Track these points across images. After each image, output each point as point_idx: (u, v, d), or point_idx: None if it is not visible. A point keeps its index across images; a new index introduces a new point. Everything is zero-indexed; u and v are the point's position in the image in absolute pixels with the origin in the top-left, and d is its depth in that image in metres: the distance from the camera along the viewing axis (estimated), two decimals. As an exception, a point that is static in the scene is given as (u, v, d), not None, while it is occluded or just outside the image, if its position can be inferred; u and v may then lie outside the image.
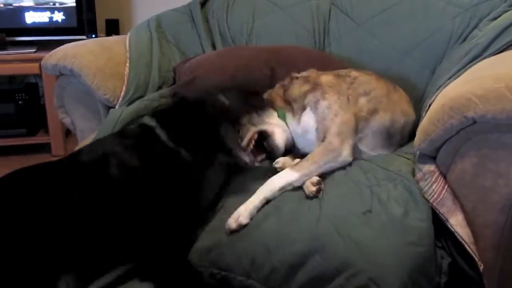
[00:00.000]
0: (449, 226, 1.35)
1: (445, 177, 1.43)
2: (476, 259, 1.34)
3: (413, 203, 1.40)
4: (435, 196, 1.39)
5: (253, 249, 1.42)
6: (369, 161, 1.62)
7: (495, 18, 1.90)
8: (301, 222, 1.41)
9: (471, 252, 1.33)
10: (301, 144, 1.74)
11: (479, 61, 1.66)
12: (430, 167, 1.44)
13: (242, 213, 1.44)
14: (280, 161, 1.68)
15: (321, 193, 1.48)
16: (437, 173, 1.43)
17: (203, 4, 2.60)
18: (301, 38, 2.38)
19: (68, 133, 3.27)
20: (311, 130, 1.66)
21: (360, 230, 1.35)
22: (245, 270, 1.42)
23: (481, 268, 1.33)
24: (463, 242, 1.34)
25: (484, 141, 1.31)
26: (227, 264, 1.43)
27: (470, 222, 1.38)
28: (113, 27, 3.35)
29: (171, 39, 2.47)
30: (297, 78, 1.80)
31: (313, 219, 1.40)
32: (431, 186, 1.40)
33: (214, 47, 2.50)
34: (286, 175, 1.53)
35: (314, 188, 1.47)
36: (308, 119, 1.68)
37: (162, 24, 2.48)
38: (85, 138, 2.07)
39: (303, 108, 1.70)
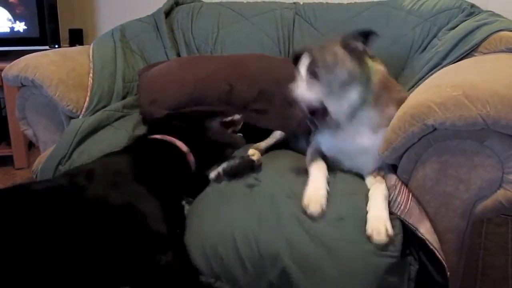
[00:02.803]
0: (419, 235, 1.36)
1: (408, 187, 1.45)
2: (445, 265, 1.35)
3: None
4: (402, 207, 1.39)
5: (222, 249, 1.41)
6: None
7: (453, 28, 1.95)
8: (272, 222, 1.40)
9: (440, 258, 1.35)
10: None
11: (438, 70, 1.70)
12: (391, 180, 1.46)
13: (387, 226, 1.34)
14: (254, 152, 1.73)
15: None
16: (399, 185, 1.44)
17: (167, 14, 2.59)
18: (266, 47, 2.40)
19: (31, 145, 3.20)
20: None
21: (332, 235, 1.35)
22: (214, 271, 1.41)
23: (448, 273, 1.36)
24: (433, 249, 1.35)
25: (444, 147, 1.34)
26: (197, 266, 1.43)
27: (432, 227, 1.40)
28: (76, 37, 3.28)
29: (136, 48, 2.46)
30: None
31: (285, 221, 1.40)
32: (396, 199, 1.41)
33: (179, 56, 2.49)
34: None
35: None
36: None
37: (126, 33, 2.48)
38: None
39: None
